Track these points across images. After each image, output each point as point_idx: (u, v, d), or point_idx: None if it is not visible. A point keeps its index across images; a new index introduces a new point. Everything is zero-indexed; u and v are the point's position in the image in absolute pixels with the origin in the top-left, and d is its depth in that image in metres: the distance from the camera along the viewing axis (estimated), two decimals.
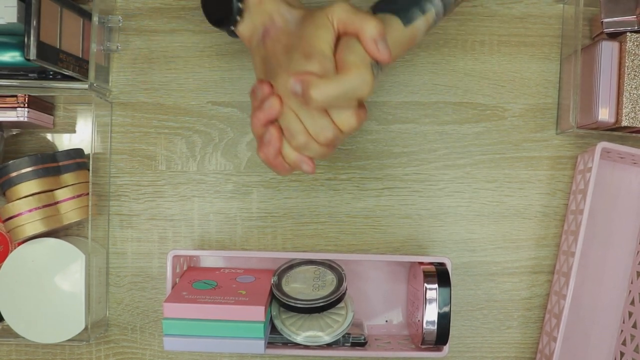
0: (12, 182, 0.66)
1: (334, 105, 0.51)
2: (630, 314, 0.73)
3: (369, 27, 0.51)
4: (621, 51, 0.67)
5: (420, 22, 0.57)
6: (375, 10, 0.58)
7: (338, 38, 0.52)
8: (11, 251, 0.70)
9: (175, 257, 0.66)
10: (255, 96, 0.54)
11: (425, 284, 0.64)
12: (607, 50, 0.67)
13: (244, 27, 0.58)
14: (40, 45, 0.62)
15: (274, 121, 0.53)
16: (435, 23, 0.60)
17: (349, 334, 0.68)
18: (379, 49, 0.51)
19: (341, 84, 0.49)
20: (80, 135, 0.73)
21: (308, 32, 0.52)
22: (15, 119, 0.67)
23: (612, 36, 0.69)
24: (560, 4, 0.74)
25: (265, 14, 0.56)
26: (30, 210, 0.66)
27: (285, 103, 0.52)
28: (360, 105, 0.53)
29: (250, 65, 0.73)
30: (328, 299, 0.65)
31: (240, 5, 0.56)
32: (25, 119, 0.67)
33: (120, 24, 0.72)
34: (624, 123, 0.66)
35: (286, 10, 0.55)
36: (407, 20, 0.56)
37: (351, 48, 0.51)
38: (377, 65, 0.53)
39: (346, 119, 0.52)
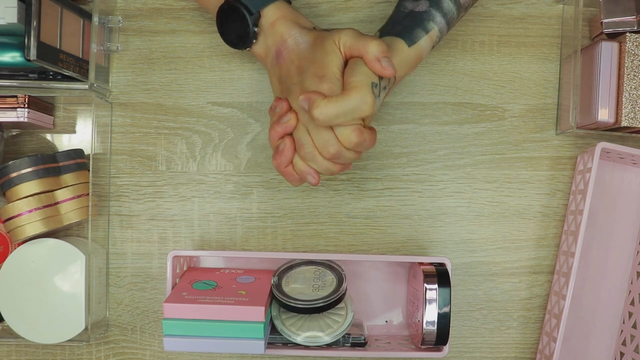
0: (12, 183, 0.66)
1: (338, 123, 0.55)
2: (630, 314, 0.73)
3: (371, 47, 0.55)
4: (621, 51, 0.67)
5: (425, 41, 0.61)
6: (382, 34, 0.62)
7: (346, 61, 0.57)
8: (11, 251, 0.70)
9: (175, 257, 0.66)
10: (274, 112, 0.60)
11: (425, 284, 0.64)
12: (607, 50, 0.67)
13: (259, 48, 0.62)
14: (41, 46, 0.62)
15: (289, 134, 0.59)
16: (440, 39, 0.63)
17: (349, 334, 0.68)
18: (383, 65, 0.55)
19: (341, 103, 0.54)
20: (80, 135, 0.73)
21: (319, 57, 0.57)
22: (15, 120, 0.67)
23: (612, 36, 0.69)
24: (560, 4, 0.74)
25: (278, 35, 0.60)
26: (30, 211, 0.66)
27: (299, 118, 0.58)
28: (370, 128, 0.58)
29: (251, 66, 0.73)
30: (328, 299, 0.65)
31: (255, 29, 0.61)
32: (25, 120, 0.67)
33: (120, 24, 0.72)
34: (624, 123, 0.66)
35: (297, 33, 0.60)
36: (411, 41, 0.60)
37: (354, 71, 0.56)
38: (379, 86, 0.56)
39: (347, 134, 0.56)
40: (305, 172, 0.59)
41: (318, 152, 0.58)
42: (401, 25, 0.61)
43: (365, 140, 0.57)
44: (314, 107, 0.54)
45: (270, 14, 0.60)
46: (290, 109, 0.59)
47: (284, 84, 0.60)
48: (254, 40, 0.62)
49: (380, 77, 0.57)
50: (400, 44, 0.60)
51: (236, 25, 0.61)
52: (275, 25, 0.60)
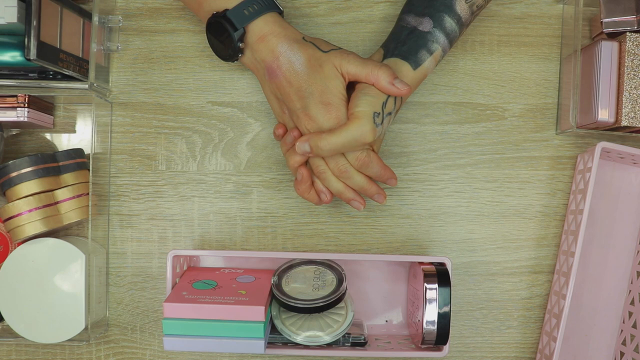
0: (12, 182, 0.66)
1: (344, 151, 0.61)
2: (630, 314, 0.73)
3: (382, 75, 0.59)
4: (621, 51, 0.67)
5: (429, 62, 0.63)
6: (386, 51, 0.64)
7: (348, 83, 0.61)
8: (11, 251, 0.70)
9: (175, 257, 0.66)
10: (286, 142, 0.64)
11: (425, 284, 0.64)
12: (607, 50, 0.67)
13: (247, 60, 0.65)
14: (41, 45, 0.62)
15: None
16: (442, 58, 0.66)
17: (349, 334, 0.68)
18: (398, 87, 0.59)
19: (343, 135, 0.59)
20: (80, 135, 0.73)
21: (320, 81, 0.60)
22: (15, 119, 0.67)
23: (612, 36, 0.69)
24: (560, 4, 0.74)
25: (266, 51, 0.61)
26: (30, 210, 0.66)
27: None
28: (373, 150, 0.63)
29: None
30: (328, 299, 0.65)
31: (240, 44, 0.62)
32: (25, 119, 0.67)
33: (120, 24, 0.72)
34: (624, 123, 0.66)
35: (288, 48, 0.61)
36: (416, 64, 0.63)
37: (358, 100, 0.60)
38: (381, 114, 0.60)
39: (354, 155, 0.62)
40: (319, 190, 0.65)
41: (331, 172, 0.63)
42: (405, 45, 0.63)
43: (372, 162, 0.62)
44: (318, 141, 0.59)
45: (256, 30, 0.61)
46: (300, 135, 0.63)
47: (284, 105, 0.63)
48: (240, 55, 0.63)
49: (384, 105, 0.60)
50: (405, 68, 0.63)
51: (222, 39, 0.63)
52: (262, 42, 0.61)
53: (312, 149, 0.60)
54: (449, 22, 0.63)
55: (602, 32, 0.69)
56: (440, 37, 0.63)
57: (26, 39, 0.61)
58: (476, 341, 0.74)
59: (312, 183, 0.65)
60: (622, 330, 0.73)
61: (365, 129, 0.59)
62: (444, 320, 0.64)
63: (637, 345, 0.70)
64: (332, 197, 0.65)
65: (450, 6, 0.62)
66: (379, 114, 0.60)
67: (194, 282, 0.67)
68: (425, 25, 0.63)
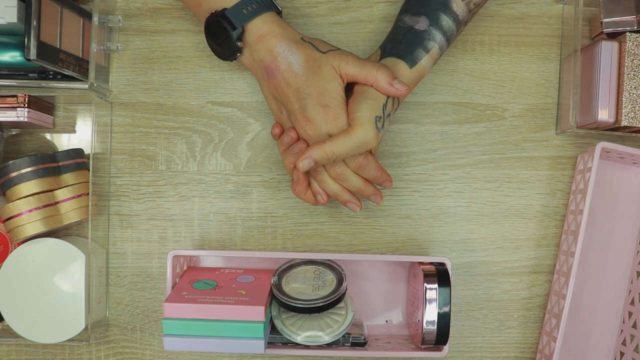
0: (12, 182, 0.66)
1: (348, 157, 0.61)
2: (630, 314, 0.73)
3: (380, 76, 0.59)
4: (621, 51, 0.67)
5: (426, 61, 0.63)
6: (383, 51, 0.64)
7: (346, 84, 0.61)
8: (11, 251, 0.70)
9: (175, 257, 0.66)
10: (283, 142, 0.64)
11: (425, 284, 0.64)
12: (607, 50, 0.67)
13: (245, 60, 0.64)
14: (41, 45, 0.62)
15: None
16: (440, 56, 0.65)
17: (349, 334, 0.68)
18: (397, 88, 0.59)
19: (347, 143, 0.59)
20: (80, 135, 0.73)
21: (318, 83, 0.60)
22: (15, 119, 0.67)
23: (612, 36, 0.69)
24: (560, 4, 0.74)
25: (265, 51, 0.61)
26: (30, 210, 0.66)
27: (308, 144, 0.62)
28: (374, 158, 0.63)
29: None
30: (328, 299, 0.65)
31: (239, 44, 0.62)
32: (25, 119, 0.67)
33: (120, 24, 0.72)
34: (624, 123, 0.66)
35: (286, 49, 0.60)
36: (412, 62, 0.63)
37: (360, 105, 0.60)
38: (382, 117, 0.60)
39: (352, 157, 0.61)
40: (316, 192, 0.65)
41: (327, 174, 0.63)
42: (402, 44, 0.63)
43: (369, 164, 0.62)
44: (322, 153, 0.58)
45: (255, 29, 0.61)
46: (299, 137, 0.62)
47: (282, 105, 0.63)
48: (239, 54, 0.63)
49: (385, 107, 0.60)
50: (401, 67, 0.62)
51: (221, 38, 0.63)
52: (261, 41, 0.61)
53: (317, 162, 0.59)
54: (446, 20, 0.63)
55: (602, 32, 0.69)
56: (437, 35, 0.63)
57: (26, 39, 0.61)
58: (476, 341, 0.74)
59: (309, 184, 0.65)
60: (622, 330, 0.73)
61: (370, 136, 0.59)
62: (443, 320, 0.64)
63: (637, 345, 0.70)
64: (329, 199, 0.65)
65: (447, 4, 0.62)
66: (380, 117, 0.60)
67: (194, 282, 0.67)
68: (422, 24, 0.63)
